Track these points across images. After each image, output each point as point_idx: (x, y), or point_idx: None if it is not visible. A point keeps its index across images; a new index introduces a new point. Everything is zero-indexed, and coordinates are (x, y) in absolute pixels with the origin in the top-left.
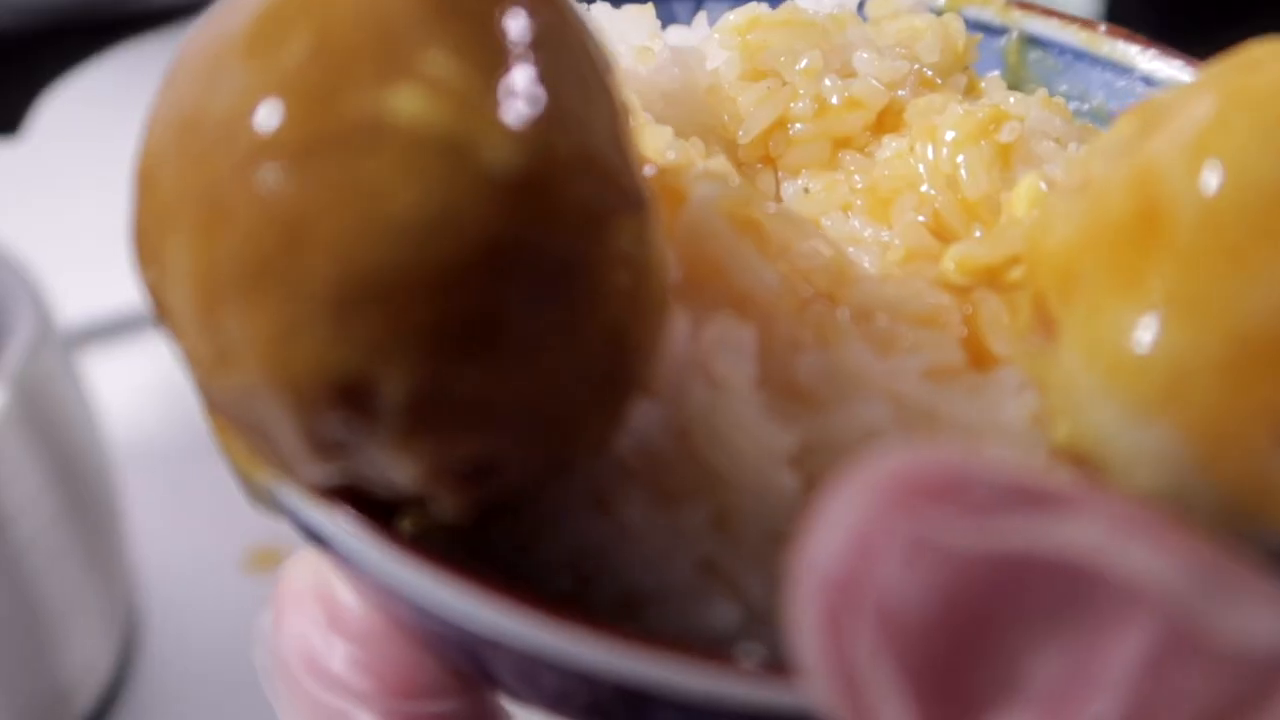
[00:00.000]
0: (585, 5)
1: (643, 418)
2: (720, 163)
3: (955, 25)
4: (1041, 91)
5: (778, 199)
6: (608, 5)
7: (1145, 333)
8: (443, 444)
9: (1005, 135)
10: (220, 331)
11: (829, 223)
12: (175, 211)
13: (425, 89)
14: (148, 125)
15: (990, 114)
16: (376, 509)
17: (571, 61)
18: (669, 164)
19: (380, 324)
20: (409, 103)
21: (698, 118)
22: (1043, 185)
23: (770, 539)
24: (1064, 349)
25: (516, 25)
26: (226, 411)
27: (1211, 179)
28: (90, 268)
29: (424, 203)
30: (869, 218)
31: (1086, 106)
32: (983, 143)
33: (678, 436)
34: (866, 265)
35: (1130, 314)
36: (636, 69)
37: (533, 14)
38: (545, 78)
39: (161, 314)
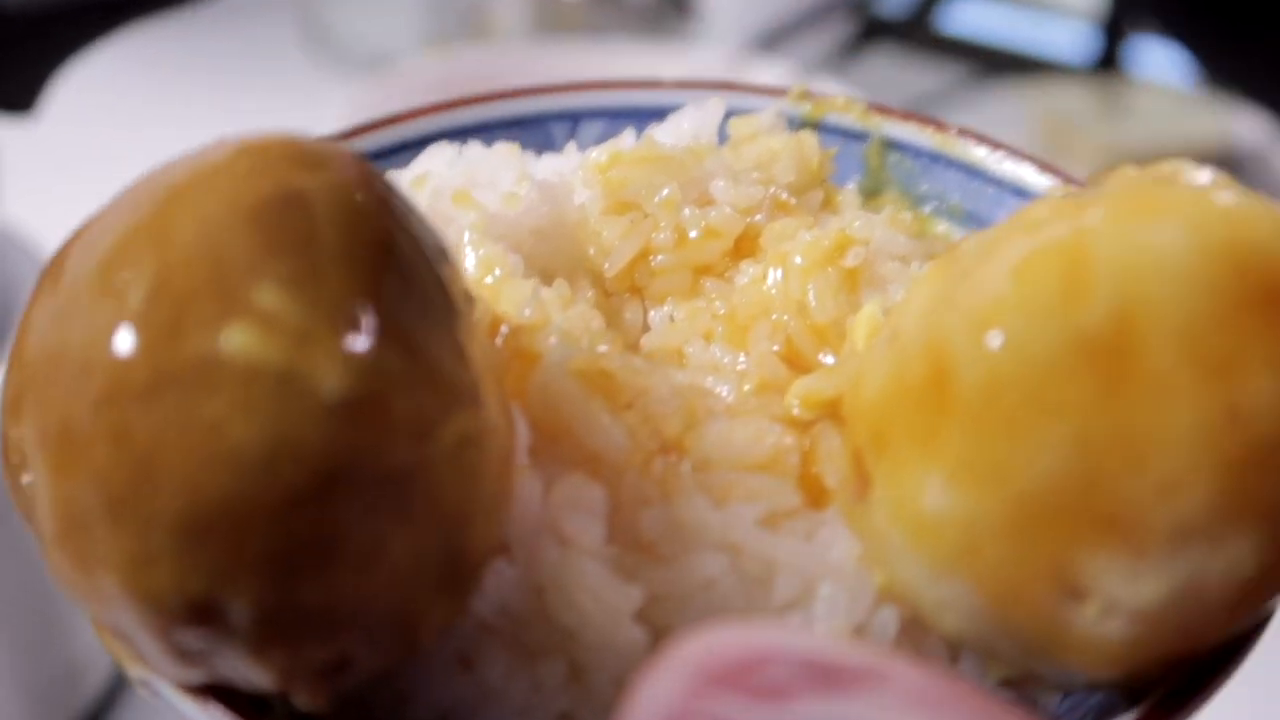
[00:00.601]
0: (459, 146)
1: (500, 579)
2: (580, 311)
3: (810, 143)
4: (888, 210)
5: (645, 328)
6: (480, 144)
7: (939, 495)
8: (294, 652)
9: (850, 260)
10: (81, 553)
11: (692, 350)
12: (37, 444)
13: (258, 325)
14: (11, 357)
15: (836, 240)
16: (246, 701)
17: (401, 273)
18: (525, 323)
19: (226, 550)
20: (243, 339)
21: (567, 251)
22: (880, 315)
23: (623, 690)
24: (875, 504)
25: (345, 247)
26: (93, 617)
27: (990, 351)
28: None
29: (260, 435)
30: (728, 344)
31: (945, 205)
32: (829, 269)
33: (533, 595)
34: (724, 394)
35: (926, 476)
36: (505, 212)
37: (360, 231)
38: (374, 296)
39: (30, 524)
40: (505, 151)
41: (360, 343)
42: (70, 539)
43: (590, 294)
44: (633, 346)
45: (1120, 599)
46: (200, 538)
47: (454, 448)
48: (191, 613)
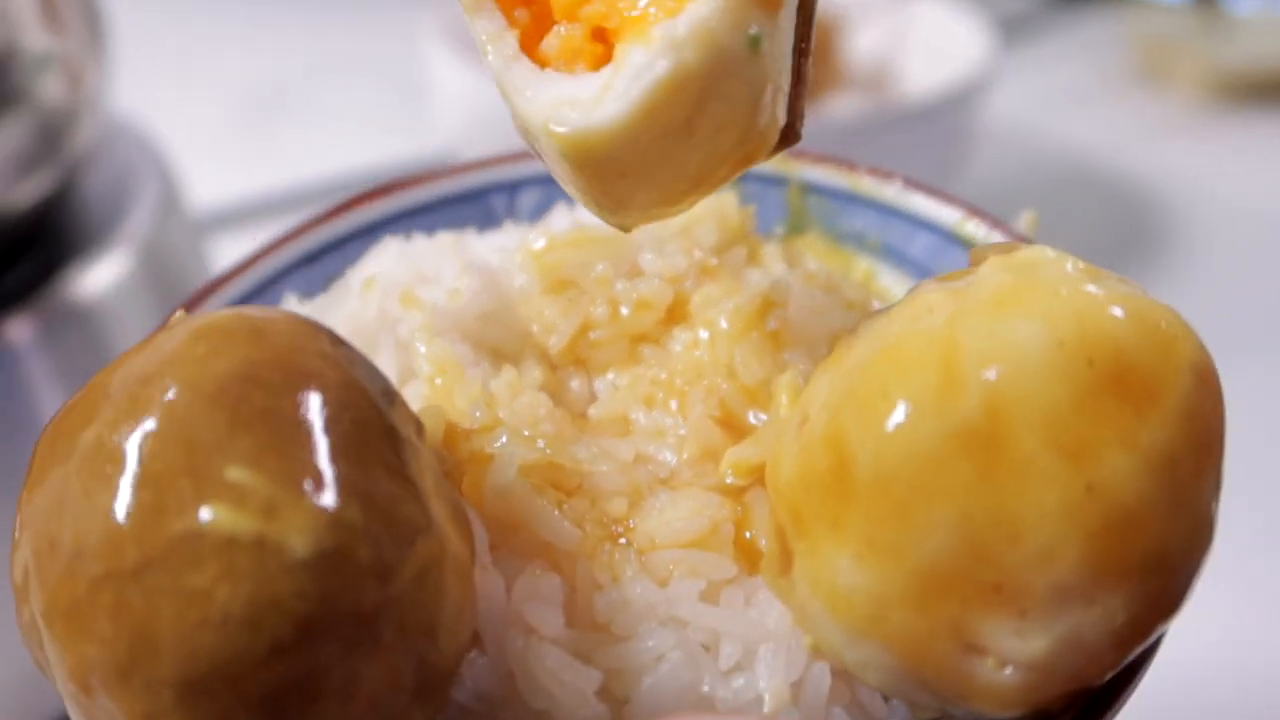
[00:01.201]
0: (403, 238)
1: (474, 668)
2: (528, 400)
3: (729, 202)
4: (806, 263)
5: (591, 397)
6: (422, 235)
7: (849, 571)
8: None
9: (772, 324)
10: (97, 709)
11: (636, 416)
12: (46, 621)
13: (230, 500)
14: (15, 544)
15: (758, 306)
16: None
17: (353, 430)
18: (476, 427)
19: (223, 701)
20: (218, 515)
21: (512, 331)
22: (800, 380)
23: None
24: (797, 578)
25: (299, 416)
26: None
27: (879, 445)
28: (221, 154)
29: (242, 597)
30: (668, 410)
31: (864, 242)
32: (754, 334)
33: (505, 680)
34: (668, 460)
35: (837, 555)
36: (450, 306)
37: (311, 397)
38: (330, 459)
39: (52, 684)
40: (445, 243)
41: (321, 504)
42: (86, 700)
43: (537, 372)
44: (581, 417)
45: (1012, 653)
46: (200, 692)
47: (416, 579)
48: None
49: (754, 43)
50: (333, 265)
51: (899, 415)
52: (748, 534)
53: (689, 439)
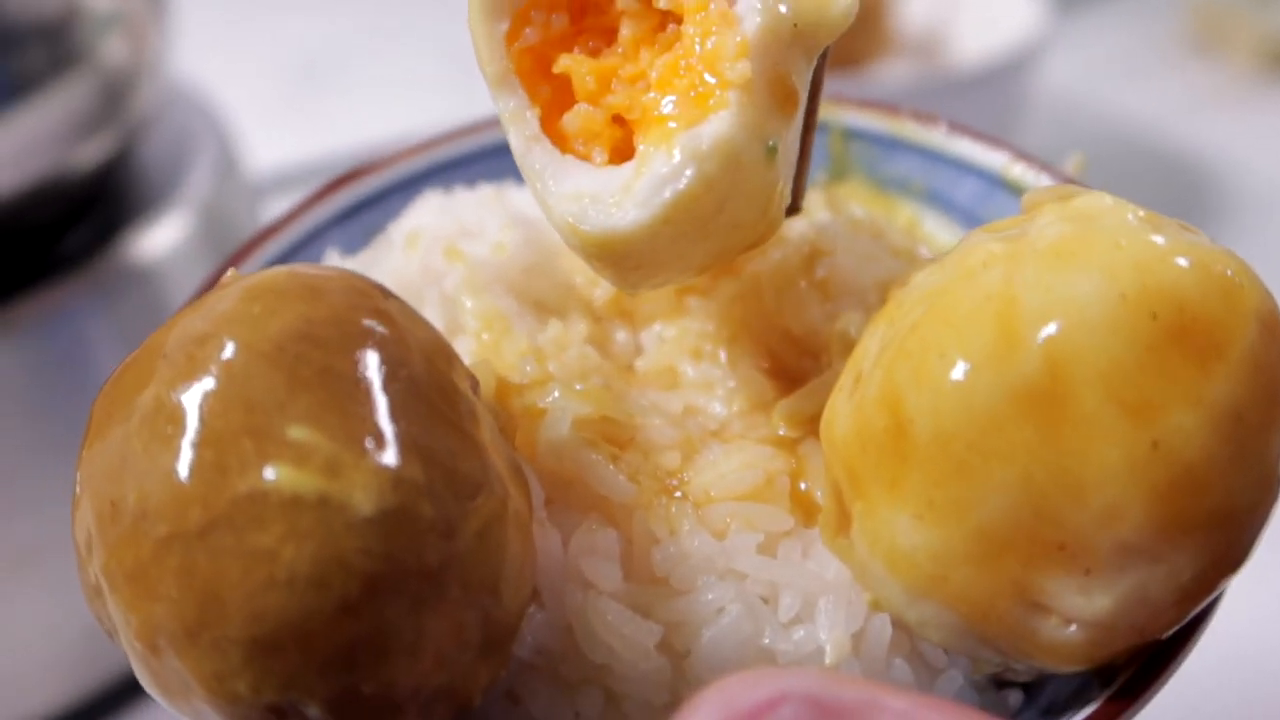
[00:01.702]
0: (444, 191)
1: (534, 622)
2: (575, 353)
3: None
4: (849, 213)
5: (637, 349)
6: (463, 187)
7: (908, 532)
8: None
9: (820, 273)
10: (165, 672)
11: (686, 369)
12: (111, 583)
13: (293, 460)
14: (76, 504)
15: (805, 255)
16: None
17: (410, 387)
18: (527, 382)
19: (294, 660)
20: (282, 475)
21: (557, 284)
22: (851, 330)
23: (655, 711)
24: (855, 537)
25: (357, 373)
26: (182, 713)
27: (938, 405)
28: (272, 118)
29: (308, 557)
30: (715, 362)
31: (908, 187)
32: (801, 283)
33: (564, 634)
34: (717, 411)
35: (896, 515)
36: (494, 259)
37: (368, 355)
38: (390, 416)
39: (115, 643)
40: (487, 196)
41: (384, 462)
42: (154, 661)
43: (582, 325)
44: (628, 369)
45: (1076, 611)
46: (269, 652)
47: (478, 534)
48: (269, 715)
49: (771, 152)
50: (373, 219)
51: (957, 375)
52: (803, 485)
53: (738, 391)
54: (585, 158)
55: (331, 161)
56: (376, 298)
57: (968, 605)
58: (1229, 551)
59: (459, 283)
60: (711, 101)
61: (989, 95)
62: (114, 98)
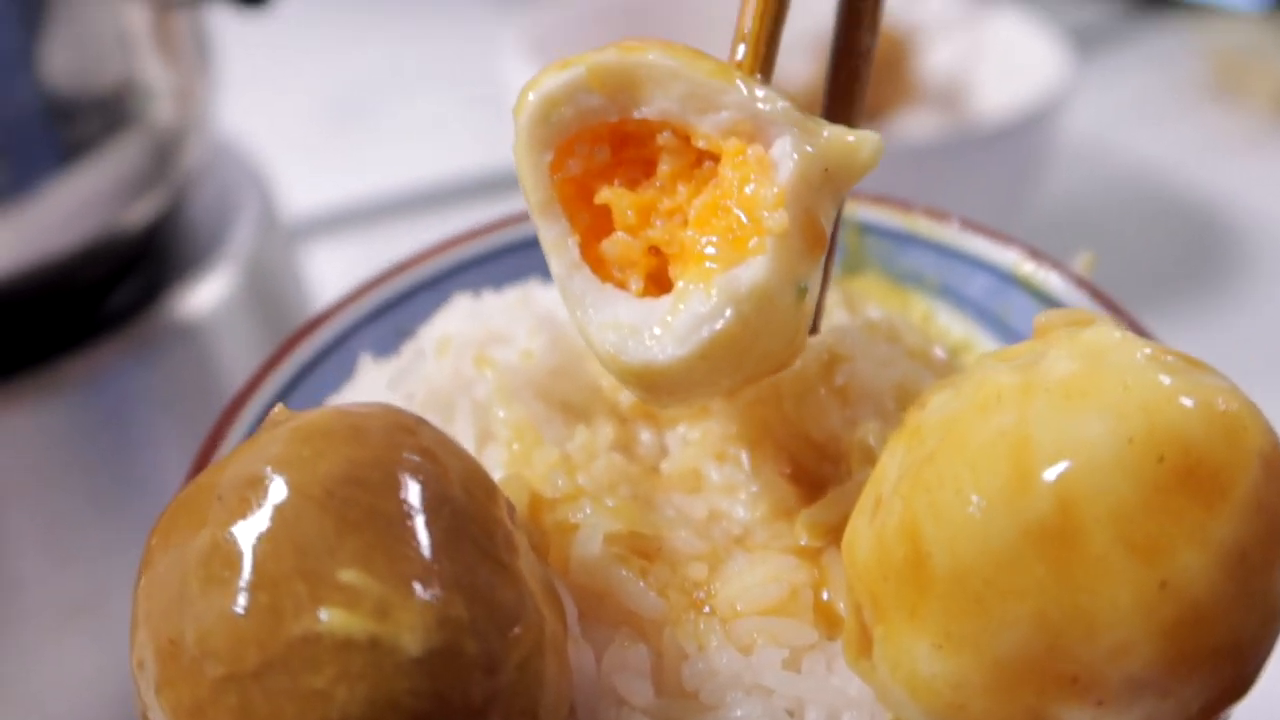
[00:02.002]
0: (472, 294)
1: None
2: (605, 463)
3: None
4: (865, 314)
5: (662, 451)
6: (490, 293)
7: (927, 661)
8: None
9: (839, 379)
10: None
11: (710, 471)
12: (169, 719)
13: (344, 603)
14: (132, 642)
15: (824, 363)
16: None
17: (455, 526)
18: (559, 496)
19: None
20: (334, 617)
21: (582, 385)
22: (870, 439)
23: None
24: (877, 659)
25: (408, 514)
26: None
27: (955, 542)
28: (300, 162)
29: (360, 697)
30: (738, 466)
31: (922, 281)
32: (821, 390)
33: None
34: (741, 516)
35: (916, 644)
36: (523, 365)
37: (412, 493)
38: (435, 557)
39: None
40: (514, 301)
41: (430, 601)
42: None
43: (609, 429)
44: (653, 471)
45: None
46: None
47: (518, 666)
48: None
49: (802, 292)
50: (403, 319)
51: (973, 511)
52: (825, 595)
53: (761, 496)
54: (622, 284)
55: (358, 206)
56: (417, 434)
57: None
58: (1234, 683)
59: (490, 392)
60: (750, 245)
61: (1014, 146)
62: (163, 157)
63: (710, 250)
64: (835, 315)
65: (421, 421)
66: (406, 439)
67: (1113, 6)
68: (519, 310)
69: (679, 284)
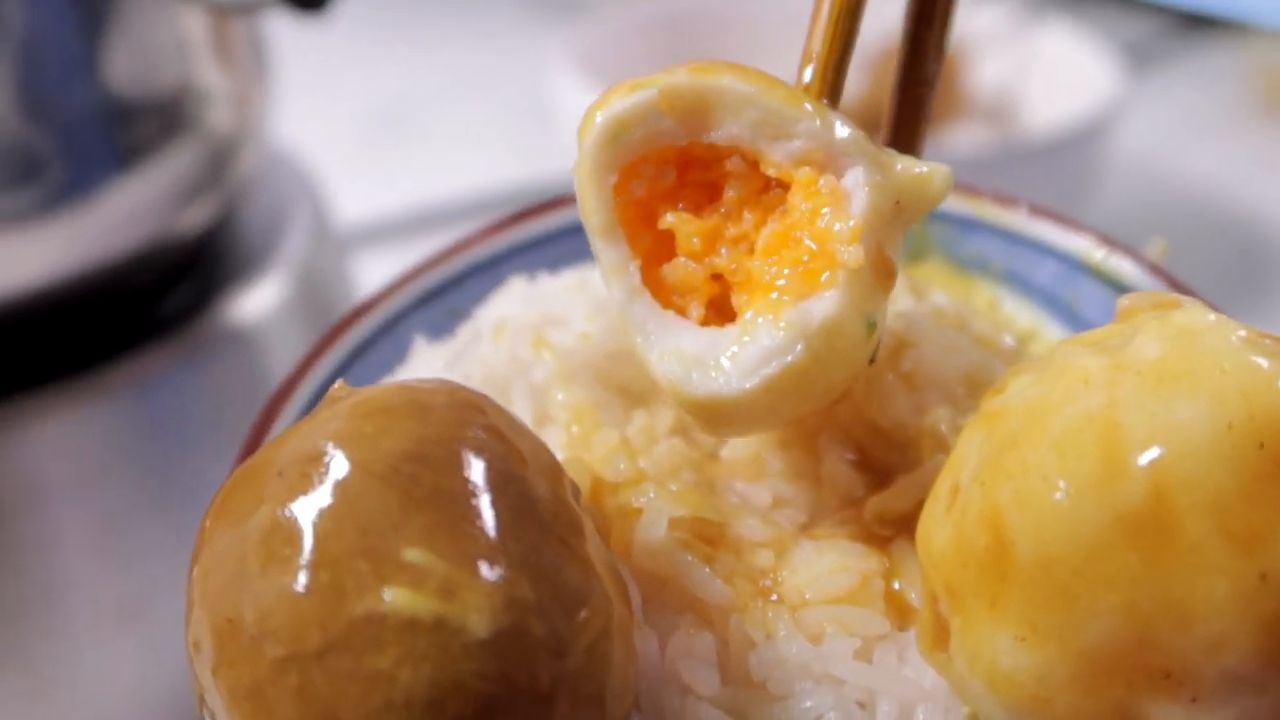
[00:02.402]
0: (528, 277)
1: None
2: (666, 448)
3: None
4: (931, 300)
5: (722, 438)
6: (545, 274)
7: (1010, 653)
8: None
9: (907, 365)
10: None
11: (770, 458)
12: (228, 702)
13: (409, 582)
14: (188, 623)
15: (892, 349)
16: None
17: (521, 505)
18: (621, 480)
19: None
20: (398, 597)
21: (641, 368)
22: (941, 426)
23: None
24: (954, 652)
25: (473, 493)
26: None
27: (1041, 530)
28: (361, 170)
29: (425, 679)
30: (802, 451)
31: (987, 268)
32: (889, 376)
33: None
34: (805, 502)
35: (997, 635)
36: (581, 348)
37: (476, 475)
38: (501, 536)
39: None
40: (572, 284)
41: (496, 582)
42: None
43: (668, 414)
44: (712, 457)
45: None
46: None
47: (586, 650)
48: None
49: (871, 327)
50: (455, 301)
51: (1060, 498)
52: (896, 585)
53: (825, 482)
54: (682, 310)
55: (407, 215)
56: (482, 412)
57: None
58: None
59: (548, 375)
60: (823, 279)
61: (1064, 161)
62: (218, 164)
63: (779, 281)
64: (901, 302)
65: (487, 400)
66: (474, 416)
67: (1164, 23)
68: (576, 293)
69: (746, 315)
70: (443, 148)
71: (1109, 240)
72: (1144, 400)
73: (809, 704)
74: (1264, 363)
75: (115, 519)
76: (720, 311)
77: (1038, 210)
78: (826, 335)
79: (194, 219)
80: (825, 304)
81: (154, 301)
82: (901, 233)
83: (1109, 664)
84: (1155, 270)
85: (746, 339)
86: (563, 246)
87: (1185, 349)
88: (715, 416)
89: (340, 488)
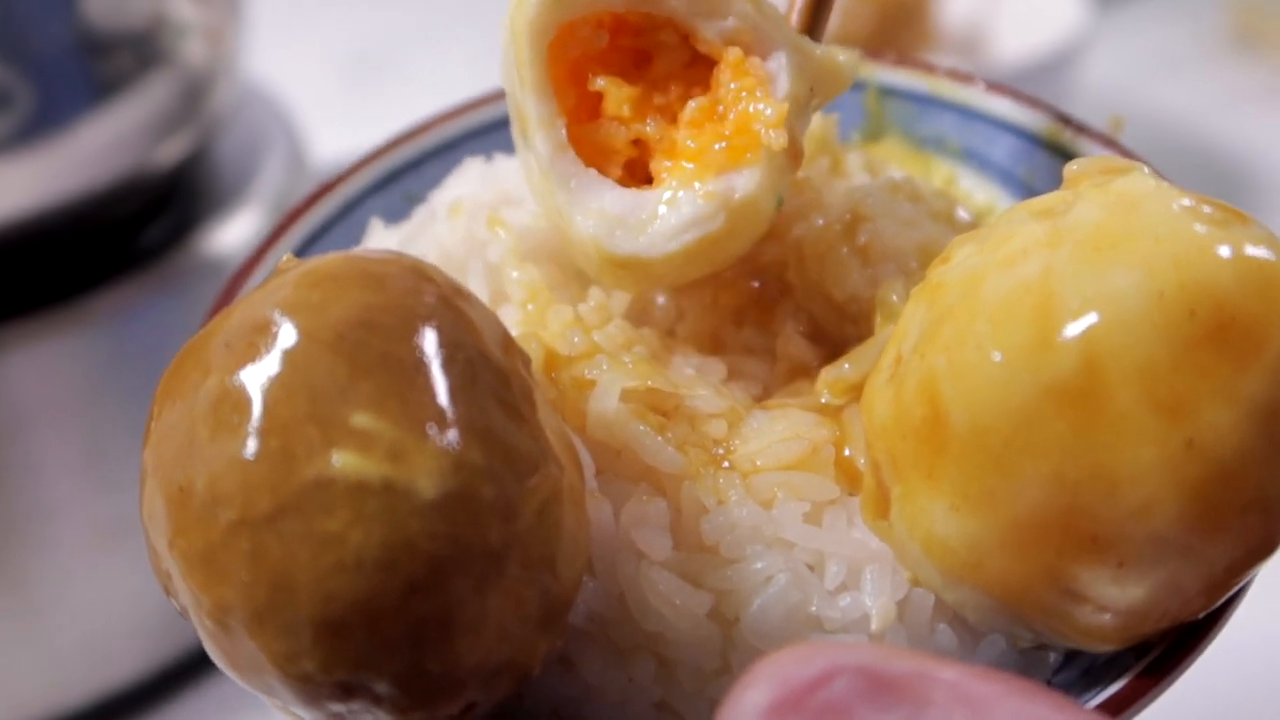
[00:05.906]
0: (484, 158)
1: (587, 591)
2: (619, 326)
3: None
4: (888, 175)
5: (678, 314)
6: (502, 157)
7: (944, 520)
8: (428, 711)
9: (862, 238)
10: (236, 648)
11: (729, 334)
12: (182, 567)
13: (357, 446)
14: (141, 495)
15: (847, 223)
16: None
17: (470, 371)
18: (575, 353)
19: (362, 640)
20: (347, 461)
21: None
22: (893, 297)
23: (706, 677)
24: (894, 519)
25: (418, 359)
26: (252, 687)
27: (974, 400)
28: (339, 111)
29: (375, 540)
30: (757, 327)
31: (944, 146)
32: (844, 249)
33: (616, 603)
34: (760, 375)
35: (932, 503)
36: (536, 227)
37: (427, 341)
38: (451, 401)
39: (183, 616)
40: None
41: (445, 446)
42: (225, 640)
43: (623, 293)
44: (669, 334)
45: (1109, 600)
46: (338, 633)
47: (536, 513)
48: (339, 691)
49: (780, 202)
50: (412, 185)
51: (993, 369)
52: (847, 452)
53: (780, 355)
54: (602, 170)
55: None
56: (432, 281)
57: (1003, 590)
58: (1262, 542)
59: (504, 252)
60: (747, 157)
61: (1032, 93)
62: (193, 97)
63: (705, 154)
64: (857, 178)
65: (438, 270)
66: (423, 285)
67: None
68: None
69: (665, 180)
70: (422, 87)
71: (1065, 116)
72: (1078, 269)
73: (759, 566)
74: (1200, 230)
75: (98, 444)
76: (634, 175)
77: (994, 86)
78: (744, 208)
79: (169, 152)
80: (746, 180)
81: (133, 234)
82: (809, 117)
83: (1039, 531)
84: (1110, 144)
85: (669, 206)
86: None
87: (1123, 216)
88: (630, 274)
89: (288, 356)
